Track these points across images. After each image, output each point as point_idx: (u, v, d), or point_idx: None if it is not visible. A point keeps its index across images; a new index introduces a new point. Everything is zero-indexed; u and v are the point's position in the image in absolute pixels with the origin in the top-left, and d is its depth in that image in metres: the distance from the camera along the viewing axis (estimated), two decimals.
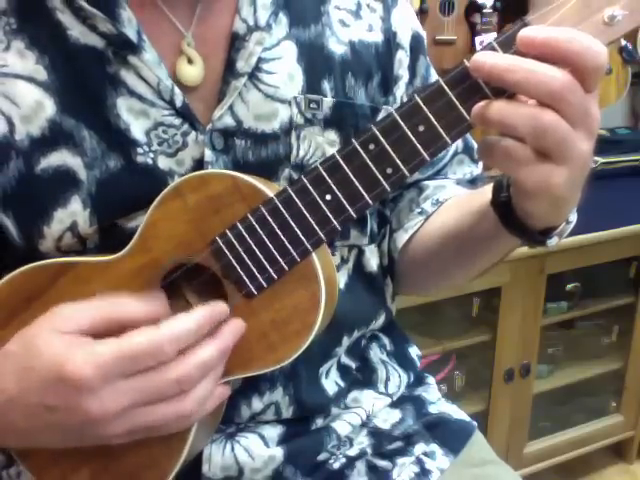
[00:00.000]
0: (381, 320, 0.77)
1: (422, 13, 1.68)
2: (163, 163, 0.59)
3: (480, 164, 0.80)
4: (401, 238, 0.74)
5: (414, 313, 1.51)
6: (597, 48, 0.45)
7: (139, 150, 0.59)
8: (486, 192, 0.60)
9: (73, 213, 0.58)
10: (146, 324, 0.51)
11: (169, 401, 0.51)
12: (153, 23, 0.59)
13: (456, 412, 0.79)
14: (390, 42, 0.70)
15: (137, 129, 0.58)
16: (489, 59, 0.46)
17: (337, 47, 0.65)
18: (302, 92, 0.63)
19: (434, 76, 0.77)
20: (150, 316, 0.52)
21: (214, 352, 0.52)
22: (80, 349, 0.49)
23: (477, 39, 1.74)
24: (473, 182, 0.78)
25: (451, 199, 0.73)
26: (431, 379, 0.84)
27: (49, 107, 0.57)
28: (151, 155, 0.59)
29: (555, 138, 0.46)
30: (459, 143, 0.77)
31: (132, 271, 0.56)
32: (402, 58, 0.71)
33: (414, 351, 0.84)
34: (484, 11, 1.73)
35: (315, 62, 0.64)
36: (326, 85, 0.64)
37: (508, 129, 0.47)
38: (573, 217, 0.59)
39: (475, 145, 0.79)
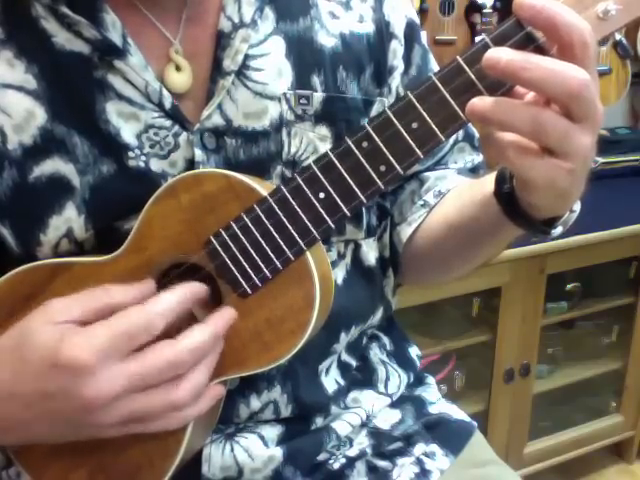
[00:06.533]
0: (379, 314, 0.76)
1: (422, 13, 1.68)
2: (156, 166, 0.59)
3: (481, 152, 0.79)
4: (405, 232, 0.73)
5: (414, 313, 1.51)
6: (582, 23, 0.44)
7: (130, 154, 0.58)
8: (488, 182, 0.59)
9: (68, 219, 0.59)
10: None
11: (163, 387, 0.51)
12: (139, 29, 0.59)
13: (456, 412, 0.79)
14: (382, 32, 0.69)
15: (128, 133, 0.58)
16: (504, 55, 0.44)
17: (327, 40, 0.65)
18: (291, 88, 0.62)
19: (432, 62, 0.76)
20: (139, 302, 0.53)
21: (205, 336, 0.52)
22: (75, 335, 0.49)
23: (477, 39, 1.74)
24: (475, 171, 0.78)
25: (453, 189, 0.72)
26: (431, 379, 0.84)
27: (40, 115, 0.57)
28: (143, 158, 0.59)
29: (555, 136, 0.46)
30: (459, 131, 0.76)
31: (127, 271, 0.56)
32: (396, 48, 0.70)
33: (414, 351, 0.84)
34: (484, 11, 1.73)
35: (304, 56, 0.63)
36: (316, 80, 0.64)
37: (507, 129, 0.47)
38: (577, 206, 0.59)
39: (476, 133, 0.78)
